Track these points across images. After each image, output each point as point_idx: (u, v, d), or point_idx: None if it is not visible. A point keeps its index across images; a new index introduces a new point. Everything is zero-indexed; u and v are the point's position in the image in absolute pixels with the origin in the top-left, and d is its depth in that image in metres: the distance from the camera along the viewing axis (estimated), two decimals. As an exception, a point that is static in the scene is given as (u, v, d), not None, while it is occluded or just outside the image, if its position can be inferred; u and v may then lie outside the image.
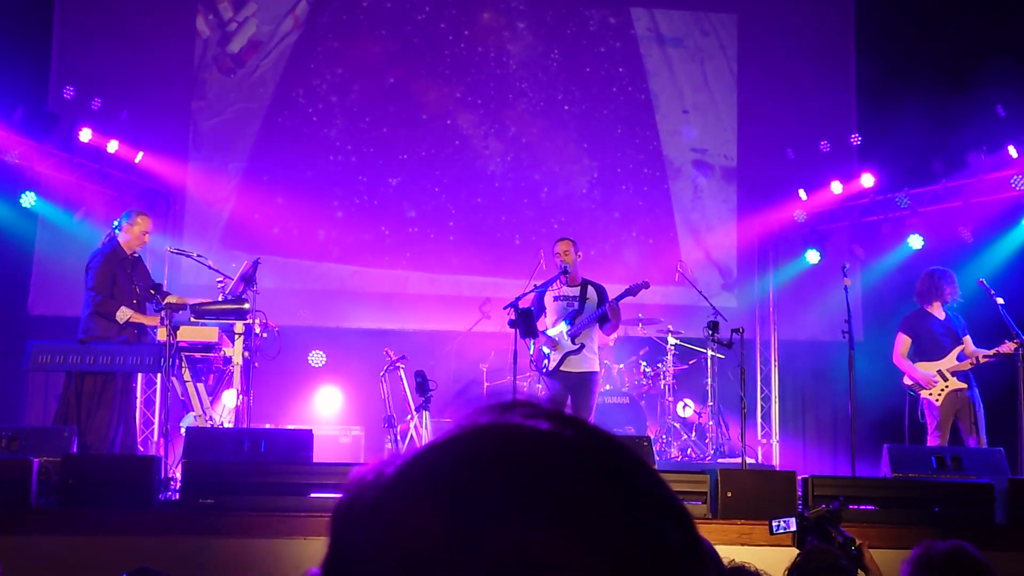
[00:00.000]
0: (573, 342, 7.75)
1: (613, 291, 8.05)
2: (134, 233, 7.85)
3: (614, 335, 8.44)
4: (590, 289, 7.96)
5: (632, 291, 7.75)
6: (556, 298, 7.91)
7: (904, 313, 8.67)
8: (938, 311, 8.29)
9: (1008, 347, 7.81)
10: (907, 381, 8.29)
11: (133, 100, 10.38)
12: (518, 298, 7.86)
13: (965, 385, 8.06)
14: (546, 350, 7.80)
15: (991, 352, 7.97)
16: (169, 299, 7.46)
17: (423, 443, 0.74)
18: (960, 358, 8.10)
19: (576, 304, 7.87)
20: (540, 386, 8.14)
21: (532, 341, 7.85)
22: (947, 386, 8.08)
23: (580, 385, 7.75)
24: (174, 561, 5.68)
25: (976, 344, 8.22)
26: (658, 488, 0.72)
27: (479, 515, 0.66)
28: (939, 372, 8.11)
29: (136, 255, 7.94)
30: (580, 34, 11.66)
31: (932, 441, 7.99)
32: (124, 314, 7.56)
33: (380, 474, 0.72)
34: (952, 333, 8.21)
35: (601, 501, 0.68)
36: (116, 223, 7.92)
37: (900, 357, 8.29)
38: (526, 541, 0.65)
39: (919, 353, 8.25)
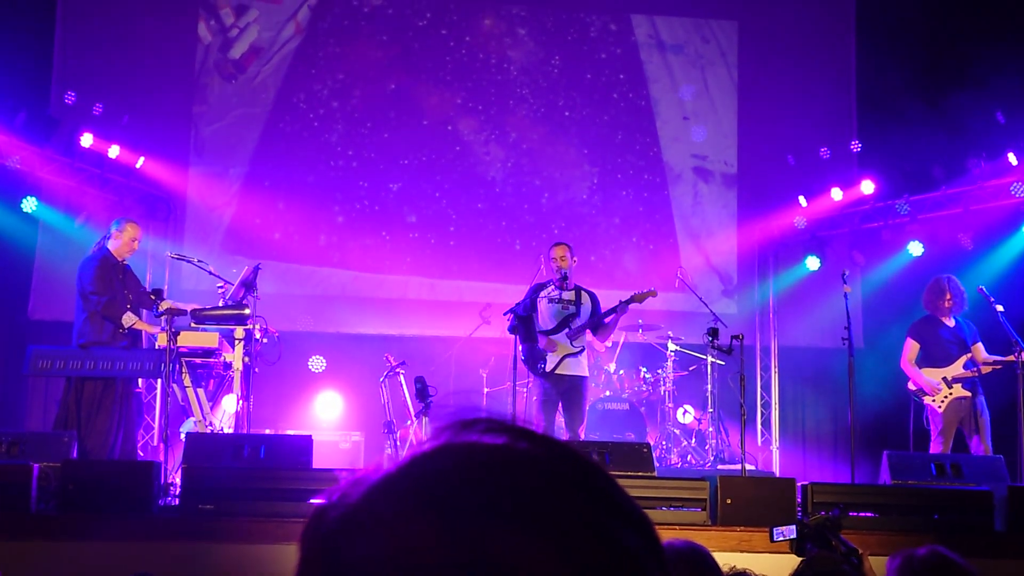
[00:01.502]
0: (573, 344, 7.75)
1: (611, 297, 8.05)
2: (124, 240, 7.89)
3: (608, 342, 8.45)
4: (584, 295, 7.95)
5: (638, 298, 7.73)
6: (551, 301, 7.87)
7: (904, 319, 8.69)
8: (947, 318, 8.30)
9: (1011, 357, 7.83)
10: (911, 387, 8.29)
11: (134, 105, 10.39)
12: (518, 304, 7.87)
13: (969, 393, 8.05)
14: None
15: (1002, 360, 7.95)
16: (166, 304, 7.47)
17: (398, 458, 0.76)
18: (967, 366, 8.09)
19: (572, 308, 7.86)
20: (528, 390, 8.12)
21: (518, 339, 7.79)
22: (950, 394, 8.07)
23: (573, 389, 7.75)
24: (173, 567, 5.68)
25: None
26: (616, 494, 0.74)
27: (459, 523, 0.68)
28: (943, 379, 8.11)
29: (125, 262, 7.96)
30: (581, 40, 11.68)
31: (935, 447, 7.99)
32: (129, 319, 7.60)
33: (347, 495, 0.74)
34: (960, 341, 8.20)
35: (563, 507, 0.70)
36: (106, 232, 7.97)
37: (907, 362, 8.29)
38: (508, 551, 0.67)
39: (927, 359, 8.26)
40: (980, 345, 8.22)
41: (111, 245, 7.88)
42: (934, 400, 8.11)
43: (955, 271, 8.74)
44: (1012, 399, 7.80)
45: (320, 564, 0.72)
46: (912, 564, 2.88)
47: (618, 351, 10.27)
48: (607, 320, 7.78)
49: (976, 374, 8.07)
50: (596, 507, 0.71)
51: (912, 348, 8.30)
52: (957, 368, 8.11)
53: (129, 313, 7.63)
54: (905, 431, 8.37)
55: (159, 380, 8.11)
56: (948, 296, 8.27)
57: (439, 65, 11.48)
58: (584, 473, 0.74)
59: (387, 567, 0.68)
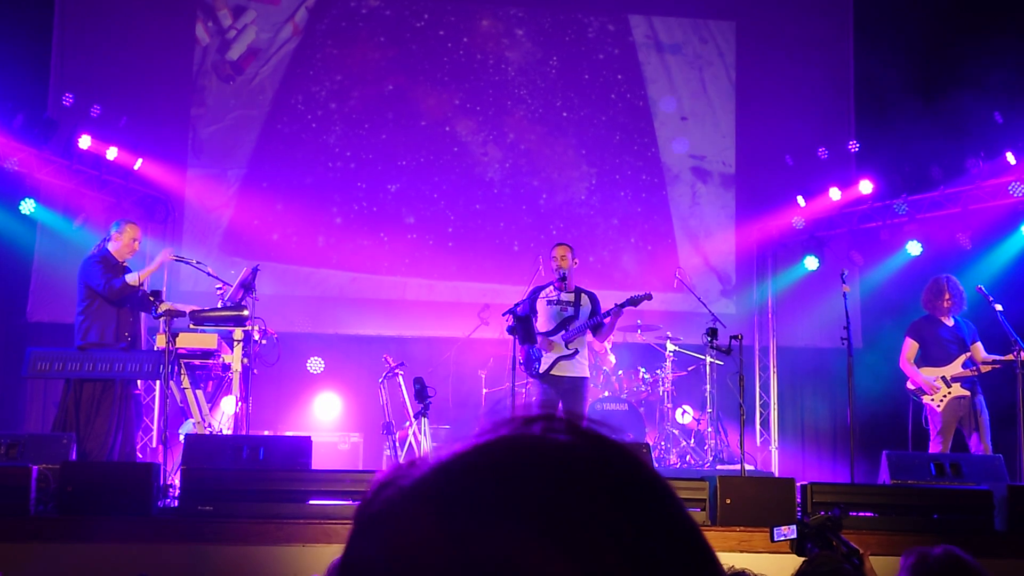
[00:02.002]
0: (567, 347, 7.74)
1: (609, 297, 8.05)
2: (124, 242, 7.89)
3: (608, 342, 8.45)
4: (583, 296, 7.94)
5: (634, 301, 7.73)
6: (550, 302, 7.87)
7: (902, 319, 8.69)
8: (946, 318, 8.29)
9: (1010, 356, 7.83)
10: (910, 386, 8.28)
11: (132, 107, 10.39)
12: (516, 304, 7.86)
13: (968, 393, 8.04)
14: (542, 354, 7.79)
15: (1001, 359, 7.94)
16: (164, 306, 7.46)
17: (442, 450, 0.74)
18: (966, 365, 8.08)
19: (570, 310, 7.85)
20: (527, 391, 8.11)
21: (517, 340, 7.79)
22: (949, 393, 8.06)
23: (572, 390, 7.74)
24: (173, 568, 5.68)
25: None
26: (662, 504, 0.71)
27: (476, 525, 0.66)
28: (942, 379, 8.11)
29: (125, 264, 7.96)
30: (578, 41, 11.68)
31: (934, 447, 7.99)
32: (134, 276, 7.70)
33: (398, 478, 0.72)
34: (959, 340, 8.20)
35: (598, 520, 0.67)
36: (106, 233, 7.98)
37: (906, 362, 8.28)
38: (515, 552, 0.65)
39: (926, 359, 8.25)
40: (979, 344, 8.22)
41: (111, 247, 7.88)
42: (933, 399, 8.11)
43: (954, 271, 8.74)
44: (1012, 399, 7.80)
45: (359, 552, 0.72)
46: (927, 563, 2.88)
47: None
48: (604, 322, 7.78)
49: (975, 373, 8.06)
50: (627, 514, 0.68)
51: (911, 347, 8.30)
52: (956, 367, 8.11)
53: (129, 273, 7.70)
54: (904, 430, 8.37)
55: (158, 382, 8.10)
56: (947, 296, 8.27)
57: (437, 66, 11.47)
58: (628, 478, 0.70)
59: (390, 567, 0.67)
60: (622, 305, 7.71)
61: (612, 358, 9.92)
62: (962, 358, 8.12)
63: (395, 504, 0.70)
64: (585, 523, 0.67)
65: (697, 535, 0.71)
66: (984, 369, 8.05)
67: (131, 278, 7.63)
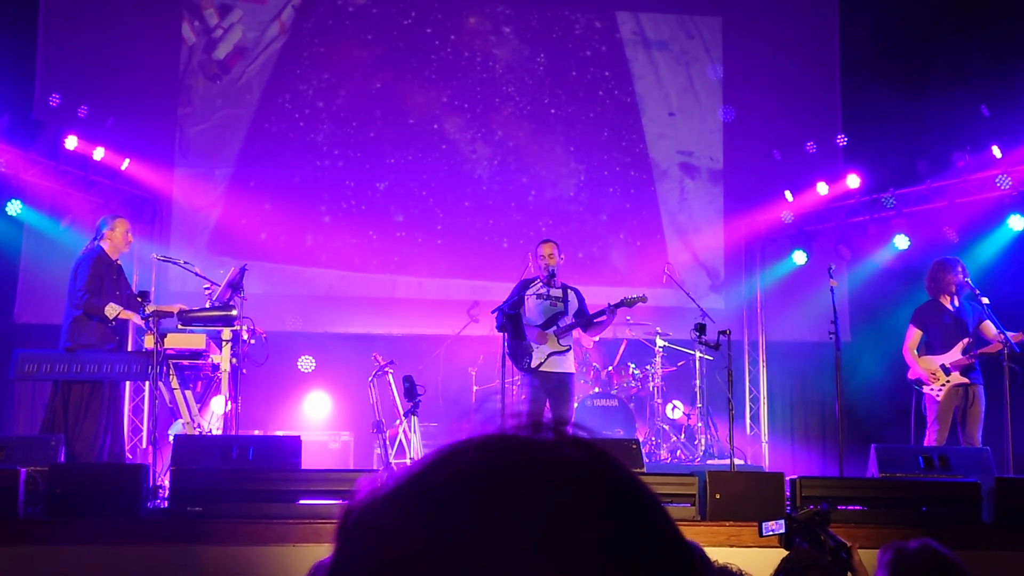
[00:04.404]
0: (560, 342, 7.75)
1: (598, 294, 8.06)
2: (116, 237, 7.82)
3: (596, 337, 8.46)
4: (570, 292, 7.95)
5: (628, 302, 7.77)
6: (539, 297, 7.86)
7: (891, 312, 8.70)
8: (949, 302, 8.23)
9: (996, 346, 7.82)
10: (911, 376, 8.26)
11: (119, 107, 10.34)
12: (506, 302, 7.86)
13: (967, 381, 8.00)
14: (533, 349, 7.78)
15: (1011, 337, 7.84)
16: (152, 307, 7.42)
17: (429, 455, 0.73)
18: (967, 350, 8.03)
19: (559, 305, 7.86)
20: (516, 387, 8.12)
21: (506, 336, 7.79)
22: (948, 381, 8.04)
23: (560, 386, 7.74)
24: (162, 570, 5.67)
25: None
26: (658, 516, 0.70)
27: (466, 532, 0.66)
28: (942, 367, 8.07)
29: (119, 263, 7.91)
30: (566, 38, 11.68)
31: (931, 434, 7.96)
32: (113, 310, 7.48)
33: (384, 484, 0.72)
34: (962, 324, 8.08)
35: (592, 528, 0.66)
36: (96, 233, 7.89)
37: (908, 351, 8.22)
38: (505, 560, 0.65)
39: (929, 346, 8.19)
40: (988, 322, 8.10)
41: (105, 245, 7.80)
42: (932, 389, 8.08)
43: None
44: (998, 391, 7.80)
45: (343, 559, 0.71)
46: (903, 557, 2.88)
47: (622, 349, 10.28)
48: (596, 321, 7.80)
49: (974, 359, 8.00)
50: (621, 523, 0.67)
51: (914, 336, 8.23)
52: (955, 354, 8.03)
53: (111, 304, 7.53)
54: (893, 423, 8.38)
55: (146, 383, 8.07)
56: (950, 277, 8.18)
57: (424, 64, 11.46)
58: (619, 486, 0.70)
59: (378, 574, 0.67)
60: (616, 306, 7.71)
61: (590, 342, 9.82)
62: (960, 345, 8.06)
63: (382, 510, 0.70)
64: (579, 532, 0.66)
65: (684, 542, 0.71)
66: (1006, 343, 7.86)
67: (110, 311, 7.51)
